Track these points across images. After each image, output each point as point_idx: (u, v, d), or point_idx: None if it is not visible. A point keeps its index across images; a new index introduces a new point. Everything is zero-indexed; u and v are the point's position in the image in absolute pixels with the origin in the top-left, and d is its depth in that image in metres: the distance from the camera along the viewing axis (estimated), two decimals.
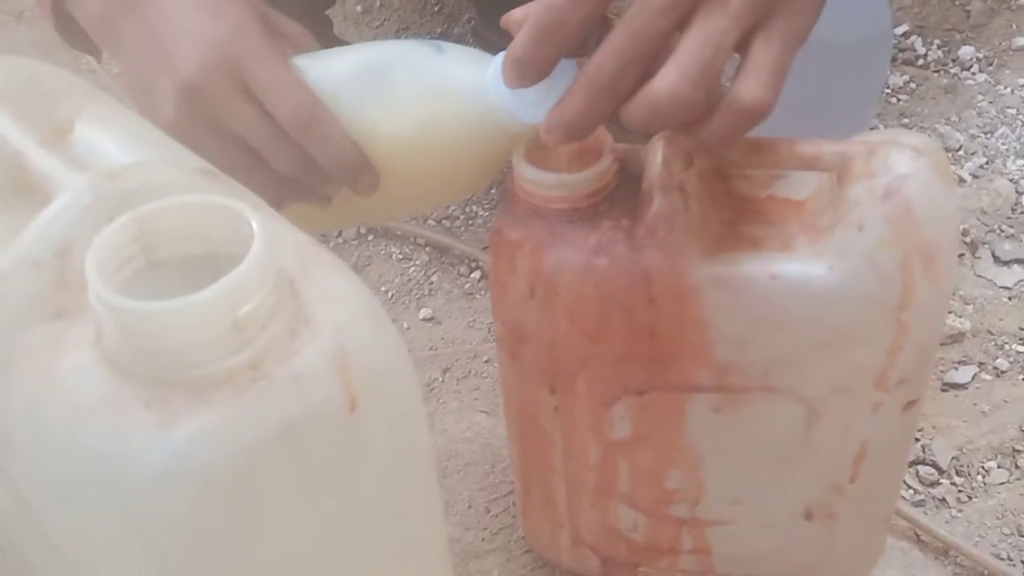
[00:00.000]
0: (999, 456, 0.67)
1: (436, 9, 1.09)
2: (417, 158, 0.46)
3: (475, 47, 0.47)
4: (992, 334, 0.74)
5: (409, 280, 0.82)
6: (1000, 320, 0.75)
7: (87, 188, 0.32)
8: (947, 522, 0.63)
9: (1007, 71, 0.97)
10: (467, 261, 0.82)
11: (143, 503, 0.28)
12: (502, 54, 0.42)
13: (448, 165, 0.47)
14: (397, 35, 1.09)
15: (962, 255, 0.81)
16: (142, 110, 0.48)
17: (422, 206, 0.56)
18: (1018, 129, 0.91)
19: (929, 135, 0.89)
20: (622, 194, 0.45)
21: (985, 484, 0.65)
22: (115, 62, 0.51)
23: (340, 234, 0.85)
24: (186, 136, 0.43)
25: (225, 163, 0.44)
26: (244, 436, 0.28)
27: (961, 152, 0.89)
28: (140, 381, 0.29)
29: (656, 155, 0.43)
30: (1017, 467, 0.66)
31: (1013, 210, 0.84)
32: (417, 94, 0.45)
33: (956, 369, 0.72)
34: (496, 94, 0.43)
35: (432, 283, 0.81)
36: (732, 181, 0.46)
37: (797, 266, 0.42)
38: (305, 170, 0.46)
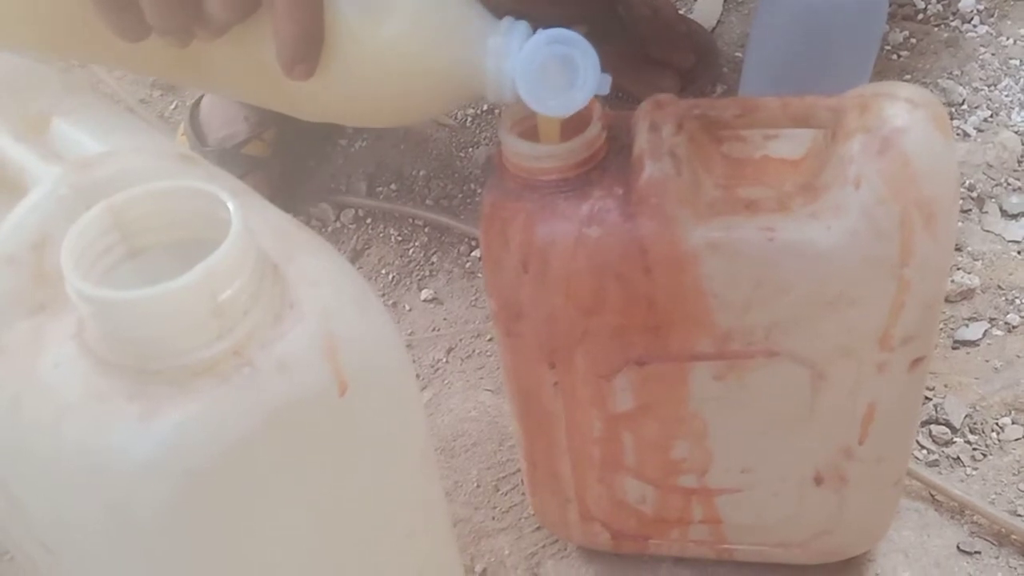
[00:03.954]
0: (1013, 412, 0.66)
1: None
2: (373, 78, 0.41)
3: None
4: (1002, 289, 0.73)
5: (410, 262, 0.81)
6: (1010, 275, 0.74)
7: (61, 179, 0.31)
8: (962, 481, 0.62)
9: (1008, 21, 0.96)
10: (467, 240, 0.82)
11: (128, 496, 0.27)
12: (526, 33, 0.39)
13: (394, 101, 0.42)
14: None
15: (969, 210, 0.79)
16: None
17: (335, 118, 0.48)
18: (1022, 80, 0.89)
19: (932, 90, 0.88)
20: (613, 162, 0.44)
21: (1000, 441, 0.64)
22: None
23: (338, 218, 0.85)
24: None
25: None
26: (229, 424, 0.28)
27: (965, 106, 0.88)
28: (122, 373, 0.28)
29: (645, 120, 0.43)
30: None
31: (1019, 162, 0.82)
32: (409, 12, 0.39)
33: (967, 326, 0.71)
34: (496, 65, 0.39)
35: (432, 263, 0.81)
36: (725, 143, 0.45)
37: (794, 227, 0.41)
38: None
